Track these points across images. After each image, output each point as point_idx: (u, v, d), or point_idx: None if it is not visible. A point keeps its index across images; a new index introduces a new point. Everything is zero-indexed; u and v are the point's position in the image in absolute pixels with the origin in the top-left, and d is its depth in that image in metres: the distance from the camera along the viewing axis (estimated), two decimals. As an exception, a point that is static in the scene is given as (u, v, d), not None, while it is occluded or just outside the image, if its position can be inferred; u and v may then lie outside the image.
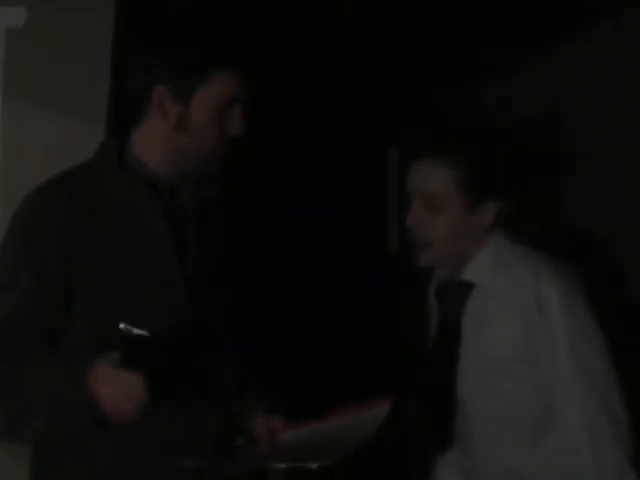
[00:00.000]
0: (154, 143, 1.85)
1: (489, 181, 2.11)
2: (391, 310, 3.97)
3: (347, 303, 3.71)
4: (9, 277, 1.78)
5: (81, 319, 1.77)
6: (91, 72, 2.50)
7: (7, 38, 2.48)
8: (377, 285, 3.96)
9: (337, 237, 3.84)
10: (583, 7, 2.61)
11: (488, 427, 2.10)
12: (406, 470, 3.47)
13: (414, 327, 3.75)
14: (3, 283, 1.78)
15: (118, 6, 2.52)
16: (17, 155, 2.48)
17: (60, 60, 2.49)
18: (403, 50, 3.15)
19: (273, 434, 1.91)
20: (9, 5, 2.48)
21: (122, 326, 1.68)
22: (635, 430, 2.03)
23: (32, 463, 1.87)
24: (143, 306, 1.79)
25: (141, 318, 1.77)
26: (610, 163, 2.65)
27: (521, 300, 2.05)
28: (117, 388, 1.66)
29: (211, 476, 1.79)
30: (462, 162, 2.09)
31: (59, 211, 1.78)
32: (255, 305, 2.06)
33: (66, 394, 1.68)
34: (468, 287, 2.14)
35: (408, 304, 3.98)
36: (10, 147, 2.49)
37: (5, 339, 1.74)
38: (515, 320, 2.06)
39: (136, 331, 1.68)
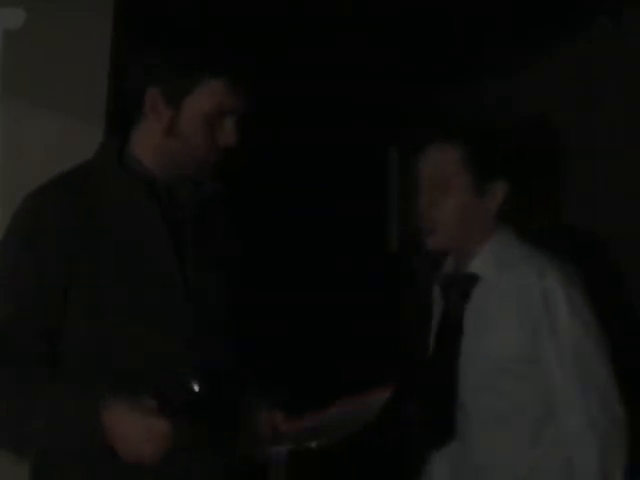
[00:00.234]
0: (149, 145, 1.85)
1: (495, 158, 2.13)
2: (391, 310, 3.97)
3: (347, 303, 3.71)
4: (9, 277, 1.78)
5: (81, 319, 1.76)
6: (90, 72, 2.50)
7: (5, 39, 2.48)
8: (377, 285, 3.96)
9: (337, 237, 3.84)
10: (583, 7, 2.61)
11: (487, 425, 2.10)
12: (406, 470, 3.47)
13: (414, 327, 3.75)
14: (3, 283, 1.78)
15: (117, 6, 2.52)
16: (17, 155, 2.48)
17: (59, 60, 2.50)
18: (403, 50, 3.15)
19: (276, 429, 1.91)
20: (7, 6, 2.48)
21: (186, 383, 1.68)
22: (635, 430, 2.03)
23: (32, 463, 1.87)
24: (143, 306, 1.79)
25: (141, 318, 1.77)
26: (610, 163, 2.65)
27: (525, 299, 2.05)
28: (142, 434, 1.65)
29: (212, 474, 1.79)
30: (467, 141, 2.11)
31: (59, 211, 1.78)
32: (255, 305, 2.06)
33: (76, 423, 1.68)
34: (473, 280, 2.15)
35: (408, 304, 3.98)
36: (10, 147, 2.49)
37: (5, 339, 1.74)
38: (519, 320, 2.06)
39: (190, 388, 1.68)
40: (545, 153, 2.84)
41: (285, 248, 3.63)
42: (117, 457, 1.74)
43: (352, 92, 3.43)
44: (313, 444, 1.82)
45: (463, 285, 2.16)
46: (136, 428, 1.65)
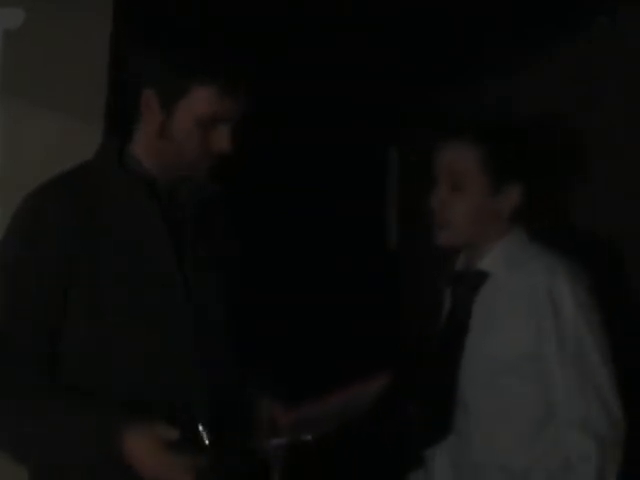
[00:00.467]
0: (147, 145, 1.85)
1: (513, 160, 2.13)
2: (391, 310, 3.97)
3: (347, 303, 3.72)
4: (9, 277, 1.78)
5: (81, 319, 1.76)
6: (90, 72, 2.50)
7: (5, 39, 2.48)
8: (377, 285, 3.96)
9: (337, 237, 3.84)
10: (583, 7, 2.61)
11: (488, 424, 2.10)
12: (406, 469, 3.47)
13: (414, 327, 3.75)
14: (3, 283, 1.78)
15: (116, 6, 2.52)
16: (17, 155, 2.48)
17: (59, 60, 2.50)
18: (403, 50, 3.15)
19: (275, 422, 1.92)
20: (6, 6, 2.48)
21: (201, 429, 1.67)
22: (634, 430, 2.03)
23: (32, 463, 1.87)
24: (143, 306, 1.79)
25: (141, 318, 1.77)
26: (610, 163, 2.65)
27: (533, 298, 2.05)
28: (164, 469, 1.64)
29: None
30: (487, 142, 2.11)
31: (59, 211, 1.78)
32: (255, 305, 2.06)
33: (95, 445, 1.67)
34: (482, 276, 2.15)
35: (408, 304, 3.99)
36: (10, 147, 2.49)
37: (5, 339, 1.74)
38: (526, 320, 2.06)
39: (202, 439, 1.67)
40: (545, 153, 2.84)
41: (285, 248, 3.63)
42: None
43: (352, 92, 3.44)
44: (308, 436, 1.83)
45: (472, 282, 2.16)
46: (158, 462, 1.64)
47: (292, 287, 3.57)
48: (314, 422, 1.89)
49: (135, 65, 1.82)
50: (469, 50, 3.11)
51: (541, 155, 2.58)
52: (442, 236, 2.16)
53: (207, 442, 1.67)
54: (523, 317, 2.07)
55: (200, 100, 1.77)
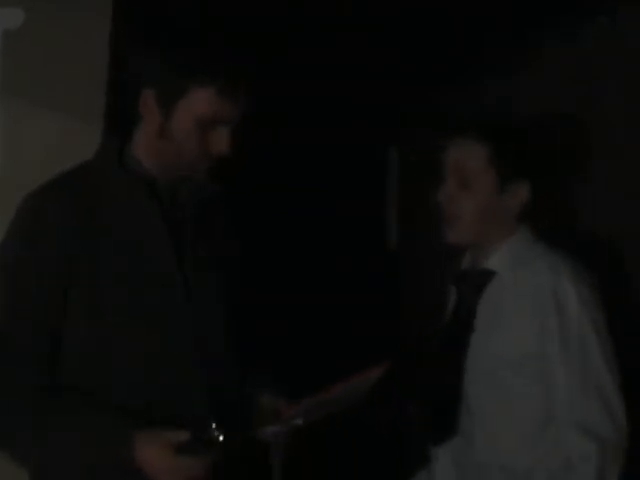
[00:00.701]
0: (147, 145, 1.85)
1: (521, 159, 2.13)
2: (391, 310, 3.97)
3: (347, 303, 3.71)
4: (9, 277, 1.78)
5: (81, 319, 1.76)
6: (90, 72, 2.51)
7: (5, 39, 2.48)
8: (377, 285, 3.96)
9: (337, 237, 3.84)
10: (583, 7, 2.61)
11: (491, 424, 2.10)
12: (406, 469, 3.47)
13: (414, 327, 3.75)
14: (3, 283, 1.78)
15: (116, 6, 2.52)
16: (17, 155, 2.49)
17: (58, 60, 2.50)
18: (403, 50, 3.15)
19: (279, 413, 1.92)
20: (6, 6, 2.48)
21: (214, 427, 1.67)
22: (634, 430, 2.03)
23: (32, 463, 1.87)
24: (143, 306, 1.79)
25: (141, 318, 1.77)
26: (610, 163, 2.65)
27: (538, 297, 2.05)
28: (173, 473, 1.66)
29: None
30: (497, 140, 2.11)
31: (59, 211, 1.78)
32: (255, 305, 2.06)
33: (106, 450, 1.68)
34: (488, 275, 2.15)
35: (408, 304, 3.99)
36: (10, 147, 2.49)
37: (5, 339, 1.74)
38: (531, 319, 2.06)
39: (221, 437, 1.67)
40: (545, 153, 2.84)
41: (285, 248, 3.63)
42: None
43: (352, 92, 3.44)
44: (300, 421, 1.84)
45: (478, 280, 2.16)
46: (170, 466, 1.66)
47: (292, 287, 3.57)
48: (316, 412, 1.89)
49: (135, 65, 1.82)
50: (469, 50, 3.11)
51: (543, 154, 2.58)
52: (450, 234, 2.16)
53: (221, 438, 1.67)
54: (528, 316, 2.07)
55: (199, 100, 1.77)
